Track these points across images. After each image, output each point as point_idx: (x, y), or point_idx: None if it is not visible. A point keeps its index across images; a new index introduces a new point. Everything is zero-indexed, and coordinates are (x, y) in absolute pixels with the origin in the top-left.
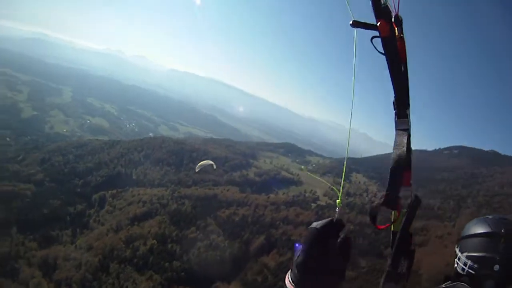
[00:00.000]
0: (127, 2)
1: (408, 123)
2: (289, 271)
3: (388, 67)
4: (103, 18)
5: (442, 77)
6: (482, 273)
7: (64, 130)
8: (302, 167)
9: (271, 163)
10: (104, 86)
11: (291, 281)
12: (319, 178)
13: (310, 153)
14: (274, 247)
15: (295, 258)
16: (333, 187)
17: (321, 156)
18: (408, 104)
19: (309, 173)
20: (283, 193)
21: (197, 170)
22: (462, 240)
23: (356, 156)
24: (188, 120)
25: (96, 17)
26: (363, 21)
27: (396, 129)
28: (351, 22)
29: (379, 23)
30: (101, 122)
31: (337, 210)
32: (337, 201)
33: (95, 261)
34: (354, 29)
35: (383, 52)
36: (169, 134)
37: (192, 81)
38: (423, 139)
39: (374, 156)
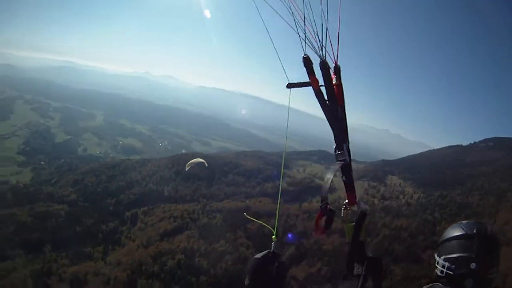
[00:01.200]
0: (147, 26)
1: (344, 154)
2: None
3: (324, 112)
4: (128, 42)
5: (471, 69)
6: (460, 272)
7: (97, 152)
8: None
9: (304, 171)
10: (134, 107)
11: None
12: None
13: None
14: (305, 258)
15: (245, 281)
16: (266, 225)
17: (354, 160)
18: (347, 139)
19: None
20: (317, 201)
21: (187, 169)
22: (439, 245)
23: (390, 158)
24: (220, 135)
25: (122, 43)
26: (296, 81)
27: (335, 160)
28: (286, 84)
29: (310, 79)
30: (133, 142)
31: (272, 244)
32: (273, 237)
33: (123, 276)
34: (289, 90)
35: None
36: (201, 149)
37: (221, 96)
38: (458, 134)
39: (408, 156)
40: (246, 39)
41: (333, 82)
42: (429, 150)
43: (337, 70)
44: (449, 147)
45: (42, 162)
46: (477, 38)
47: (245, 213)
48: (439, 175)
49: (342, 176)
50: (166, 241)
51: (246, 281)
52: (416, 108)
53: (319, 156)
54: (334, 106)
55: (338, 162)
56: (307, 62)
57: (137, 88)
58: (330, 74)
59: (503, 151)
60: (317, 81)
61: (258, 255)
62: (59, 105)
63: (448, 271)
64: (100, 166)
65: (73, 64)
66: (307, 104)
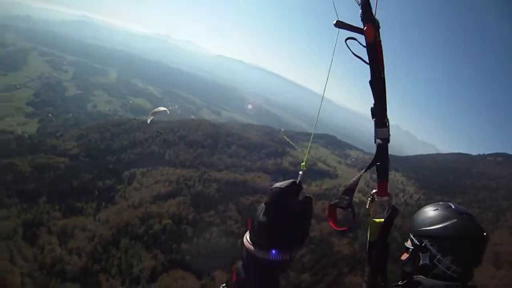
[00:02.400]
0: None
1: (388, 132)
2: (247, 232)
3: (371, 74)
4: (153, 3)
5: (492, 79)
6: (464, 276)
7: (107, 109)
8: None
9: (308, 153)
10: (149, 68)
11: (250, 241)
12: (291, 142)
13: (350, 146)
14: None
15: (257, 217)
16: (297, 147)
17: (361, 150)
18: (386, 110)
19: (285, 137)
20: (316, 185)
21: (149, 122)
22: (441, 241)
23: (396, 154)
24: (231, 106)
25: (147, 3)
26: (348, 22)
27: (375, 138)
28: (335, 22)
29: (366, 28)
30: (143, 103)
31: (300, 173)
32: (302, 164)
33: (107, 235)
34: (337, 30)
35: (358, 56)
36: (211, 118)
37: (238, 67)
38: (467, 142)
39: (415, 155)
40: (274, 13)
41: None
42: (437, 153)
43: (377, 25)
44: (458, 154)
45: (50, 115)
46: None
47: (282, 129)
48: (443, 180)
49: (375, 161)
50: (157, 204)
51: (262, 217)
52: (431, 108)
53: (326, 141)
54: (380, 68)
55: (379, 141)
56: (365, 4)
57: (155, 50)
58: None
59: (511, 169)
60: (373, 31)
61: (281, 185)
62: (73, 59)
63: (453, 274)
64: (106, 123)
65: (92, 20)
66: (320, 84)
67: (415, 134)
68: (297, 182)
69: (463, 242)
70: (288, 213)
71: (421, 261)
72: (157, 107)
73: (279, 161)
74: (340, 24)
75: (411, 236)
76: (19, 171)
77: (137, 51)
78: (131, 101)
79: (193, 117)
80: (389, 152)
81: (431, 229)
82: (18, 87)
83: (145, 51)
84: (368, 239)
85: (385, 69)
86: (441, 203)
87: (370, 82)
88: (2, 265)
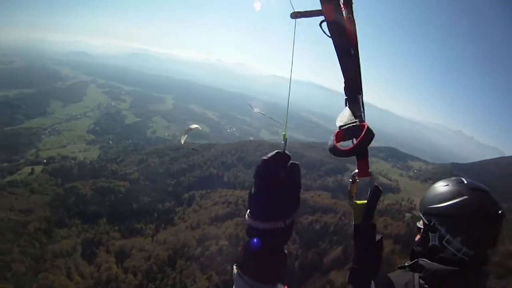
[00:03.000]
0: (221, 12)
1: (360, 109)
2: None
3: (336, 51)
4: (202, 30)
5: None
6: (478, 260)
7: (166, 135)
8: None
9: (369, 168)
10: (205, 93)
11: (249, 214)
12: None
13: (412, 158)
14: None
15: (251, 192)
16: (273, 118)
17: (424, 161)
18: (361, 90)
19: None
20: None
21: (183, 142)
22: (451, 219)
23: (460, 161)
24: (290, 125)
25: (196, 30)
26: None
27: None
28: (290, 14)
29: (323, 7)
30: (202, 127)
31: (282, 142)
32: (283, 134)
33: (164, 255)
34: (295, 21)
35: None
36: (270, 138)
37: (294, 87)
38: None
39: (479, 162)
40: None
41: (343, 15)
42: (500, 157)
43: (349, 1)
44: (501, 158)
45: (110, 142)
46: None
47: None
48: (508, 185)
49: (352, 139)
50: (215, 226)
51: (253, 191)
52: (495, 108)
53: (387, 154)
54: (346, 45)
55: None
56: None
57: (208, 75)
58: (340, 5)
59: None
60: (331, 9)
61: (266, 156)
62: (130, 89)
63: (464, 257)
64: (164, 148)
65: (147, 51)
66: (380, 97)
67: (478, 138)
68: (281, 151)
69: (474, 221)
70: (273, 182)
71: (430, 241)
72: (216, 130)
73: (340, 178)
74: (296, 15)
75: (421, 215)
76: (81, 194)
77: (192, 78)
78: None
79: (251, 139)
80: (453, 160)
81: (440, 206)
82: (79, 117)
83: (199, 77)
84: (353, 223)
85: (358, 45)
86: (453, 178)
87: (338, 59)
88: (59, 280)
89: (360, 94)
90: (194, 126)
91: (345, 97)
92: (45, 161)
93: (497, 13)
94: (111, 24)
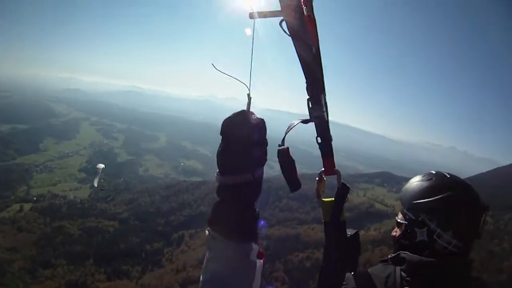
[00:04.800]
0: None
1: (322, 109)
2: None
3: (296, 51)
4: (194, 67)
5: None
6: (465, 250)
7: (158, 173)
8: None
9: (364, 195)
10: (197, 130)
11: (217, 173)
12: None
13: (408, 180)
14: None
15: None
16: (237, 79)
17: None
18: (323, 89)
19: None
20: (375, 229)
21: (96, 185)
22: (441, 213)
23: None
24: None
25: (188, 68)
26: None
27: (310, 116)
28: (249, 13)
29: (282, 7)
30: (194, 164)
31: (247, 102)
32: (247, 94)
33: None
34: (254, 21)
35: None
36: (264, 172)
37: (286, 118)
38: None
39: (475, 175)
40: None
41: (304, 13)
42: (497, 168)
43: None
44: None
45: (101, 180)
46: None
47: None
48: (509, 195)
49: (316, 138)
50: (200, 268)
51: (219, 148)
52: (484, 120)
53: (383, 179)
54: (306, 44)
55: (314, 119)
56: None
57: (201, 111)
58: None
59: None
60: (291, 9)
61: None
62: (123, 127)
63: (453, 249)
64: (155, 186)
65: (139, 89)
66: (372, 123)
67: (472, 152)
68: (246, 110)
69: (464, 214)
70: (239, 137)
71: (417, 237)
72: (209, 167)
73: None
74: (255, 15)
75: (405, 210)
76: (68, 234)
77: (184, 114)
78: (182, 163)
79: None
80: None
81: (428, 201)
82: (70, 154)
83: (192, 113)
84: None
85: (319, 44)
86: (433, 172)
87: (299, 58)
88: None
89: (323, 93)
90: (101, 166)
91: (307, 97)
92: (35, 198)
93: (487, 22)
94: (105, 61)
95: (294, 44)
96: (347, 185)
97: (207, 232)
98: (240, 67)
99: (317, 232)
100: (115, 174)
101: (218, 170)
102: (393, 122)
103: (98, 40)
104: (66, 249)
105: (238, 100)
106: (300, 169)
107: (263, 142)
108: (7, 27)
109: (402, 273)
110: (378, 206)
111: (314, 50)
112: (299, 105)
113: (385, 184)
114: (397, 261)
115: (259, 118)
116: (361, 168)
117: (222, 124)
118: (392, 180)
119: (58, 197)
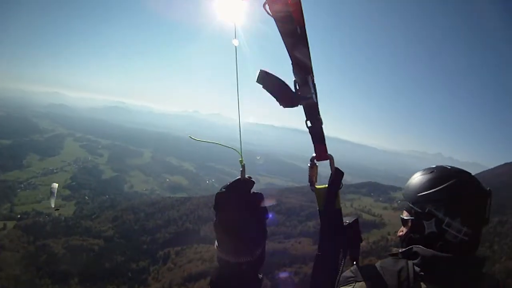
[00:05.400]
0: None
1: (310, 90)
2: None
3: (280, 32)
4: (178, 82)
5: None
6: (476, 239)
7: (144, 189)
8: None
9: (351, 206)
10: (182, 145)
11: (217, 246)
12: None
13: (395, 188)
14: None
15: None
16: (231, 148)
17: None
18: (311, 70)
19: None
20: (363, 239)
21: (53, 206)
22: (448, 202)
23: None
24: (269, 171)
25: (172, 83)
26: None
27: (298, 98)
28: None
29: None
30: (180, 180)
31: (241, 170)
32: (240, 160)
33: None
34: (234, 47)
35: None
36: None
37: (269, 132)
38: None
39: None
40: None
41: None
42: (482, 171)
43: None
44: (504, 165)
45: (86, 197)
46: None
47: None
48: (496, 197)
49: (306, 121)
50: (186, 286)
51: (215, 221)
52: (468, 125)
53: (369, 189)
54: (290, 24)
55: (302, 100)
56: None
57: (185, 126)
58: None
59: None
60: None
61: (223, 187)
62: (108, 143)
63: (464, 237)
64: (140, 203)
65: (124, 104)
66: (356, 133)
67: (458, 158)
68: (241, 178)
69: (470, 200)
70: (235, 214)
71: (426, 230)
72: (194, 182)
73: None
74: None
75: (410, 205)
76: (52, 253)
77: (169, 130)
78: (168, 179)
79: None
80: None
81: (433, 191)
82: (55, 171)
83: (177, 128)
84: (318, 208)
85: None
86: (433, 166)
87: (283, 39)
88: None
89: (310, 74)
90: (55, 185)
91: (293, 79)
92: (19, 216)
93: (468, 28)
94: (89, 77)
95: (277, 26)
96: (341, 170)
97: None
98: (223, 87)
99: (304, 246)
100: (100, 192)
101: (216, 241)
102: (377, 131)
103: (83, 56)
104: (50, 269)
105: (221, 116)
106: (286, 182)
107: (261, 220)
108: None
109: (416, 267)
110: (365, 216)
111: (299, 30)
112: (283, 118)
113: (372, 194)
114: (409, 255)
115: (257, 193)
116: (348, 179)
117: (215, 197)
118: (378, 189)
119: (42, 214)
